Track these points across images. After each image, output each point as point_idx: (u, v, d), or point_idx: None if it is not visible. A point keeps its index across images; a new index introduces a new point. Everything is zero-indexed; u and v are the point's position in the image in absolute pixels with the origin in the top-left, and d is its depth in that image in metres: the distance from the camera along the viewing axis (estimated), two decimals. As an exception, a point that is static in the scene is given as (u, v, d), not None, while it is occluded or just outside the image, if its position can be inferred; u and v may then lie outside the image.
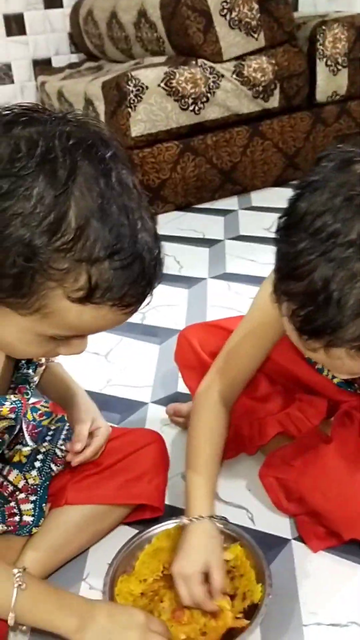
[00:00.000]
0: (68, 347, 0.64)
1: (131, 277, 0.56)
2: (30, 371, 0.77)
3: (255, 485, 0.97)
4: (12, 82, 2.85)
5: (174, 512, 0.93)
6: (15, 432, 0.90)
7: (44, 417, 0.97)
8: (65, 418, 0.94)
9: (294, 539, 0.89)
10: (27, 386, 0.76)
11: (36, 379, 0.78)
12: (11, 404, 0.72)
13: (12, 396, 0.73)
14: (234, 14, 2.04)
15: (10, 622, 0.69)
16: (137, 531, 0.88)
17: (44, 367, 0.80)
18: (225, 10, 2.02)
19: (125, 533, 0.90)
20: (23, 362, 0.76)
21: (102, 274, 0.55)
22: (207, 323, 1.12)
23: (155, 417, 1.16)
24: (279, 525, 0.91)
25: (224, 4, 2.02)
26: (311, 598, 0.81)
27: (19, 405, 0.73)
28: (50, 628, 0.71)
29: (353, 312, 0.57)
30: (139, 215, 0.57)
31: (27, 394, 0.76)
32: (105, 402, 1.21)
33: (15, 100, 2.88)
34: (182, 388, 1.22)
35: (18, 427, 0.76)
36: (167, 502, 0.94)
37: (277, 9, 2.11)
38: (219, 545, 0.80)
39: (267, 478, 0.93)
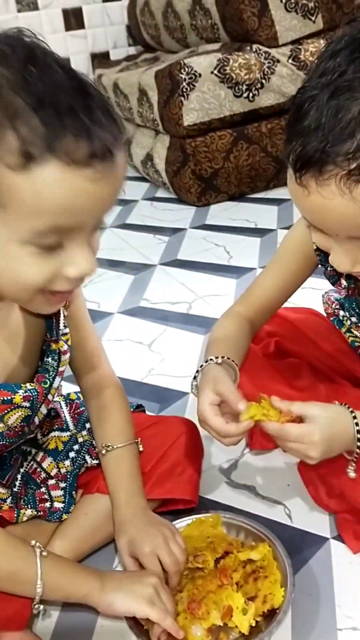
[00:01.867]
0: (71, 262, 0.58)
1: (68, 125, 0.51)
2: (49, 359, 0.75)
3: (295, 480, 0.93)
4: (71, 76, 2.89)
5: (211, 505, 0.91)
6: (52, 416, 0.90)
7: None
8: None
9: (333, 538, 0.85)
10: (47, 375, 0.75)
11: (62, 368, 0.77)
12: (25, 392, 0.71)
13: (28, 384, 0.72)
14: (290, -4, 1.98)
15: (39, 590, 0.69)
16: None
17: (68, 355, 0.78)
18: (281, -7, 1.96)
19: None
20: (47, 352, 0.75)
21: (31, 127, 0.50)
22: None
23: (195, 408, 1.13)
24: (318, 523, 0.87)
25: (280, -15, 1.96)
26: (348, 601, 0.76)
27: (34, 394, 0.71)
28: (73, 592, 0.72)
29: (342, 131, 0.57)
30: (73, 73, 0.53)
31: (46, 382, 0.74)
32: (146, 392, 1.20)
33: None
34: (225, 379, 1.19)
35: (34, 416, 0.75)
36: (203, 494, 0.92)
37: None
38: (222, 375, 0.80)
39: (306, 472, 0.89)
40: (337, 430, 0.74)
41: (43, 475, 0.86)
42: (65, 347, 0.77)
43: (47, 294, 0.61)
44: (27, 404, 0.72)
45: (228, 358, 0.85)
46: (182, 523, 0.84)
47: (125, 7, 2.85)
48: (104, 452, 0.84)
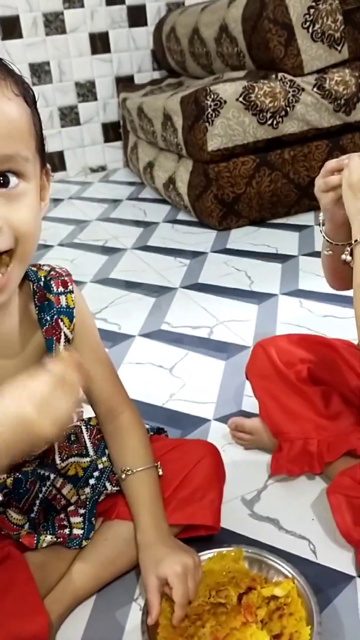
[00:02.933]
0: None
1: None
2: None
3: (320, 515, 0.92)
4: (95, 99, 2.94)
5: (233, 537, 0.89)
6: (71, 441, 0.89)
7: None
8: None
9: (357, 576, 0.83)
10: None
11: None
12: None
13: None
14: (317, 26, 2.00)
15: None
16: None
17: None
18: (307, 23, 1.99)
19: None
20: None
21: None
22: (286, 335, 1.09)
23: (217, 435, 1.12)
24: (344, 560, 0.85)
25: (307, 16, 1.98)
26: (375, 644, 0.74)
27: None
28: None
29: None
30: None
31: None
32: (167, 417, 1.19)
33: (97, 117, 2.96)
34: (247, 406, 1.18)
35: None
36: (226, 526, 0.90)
37: (362, 20, 2.05)
38: None
39: (334, 495, 0.86)
40: None
41: (63, 502, 0.85)
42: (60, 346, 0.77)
43: None
44: None
45: None
46: (203, 557, 0.82)
47: (151, 33, 2.90)
48: (123, 476, 0.84)
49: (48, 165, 0.70)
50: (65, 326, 0.78)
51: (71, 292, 0.80)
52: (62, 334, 0.78)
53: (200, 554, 0.82)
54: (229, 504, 0.94)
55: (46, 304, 0.77)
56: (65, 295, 0.79)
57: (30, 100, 0.64)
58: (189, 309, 1.61)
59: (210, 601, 0.76)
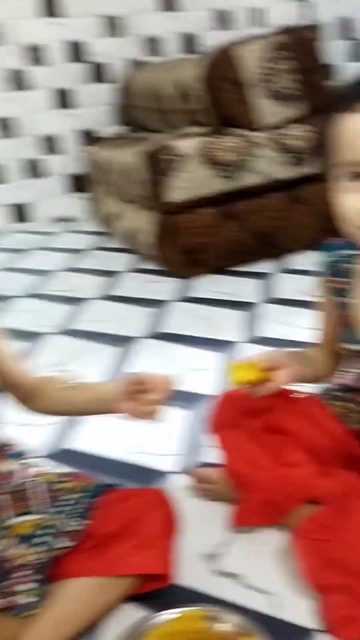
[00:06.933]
0: None
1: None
2: None
3: (281, 569, 0.90)
4: (61, 152, 3.00)
5: (193, 597, 0.87)
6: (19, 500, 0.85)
7: (62, 480, 0.90)
8: (81, 489, 0.89)
9: (322, 631, 0.81)
10: None
11: None
12: None
13: None
14: (272, 84, 2.09)
15: None
16: (148, 613, 0.82)
17: None
18: (263, 82, 2.08)
19: (138, 614, 0.84)
20: None
21: None
22: None
23: (177, 487, 1.10)
24: (308, 614, 0.83)
25: (263, 75, 2.08)
26: None
27: None
28: None
29: None
30: None
31: None
32: (123, 470, 1.17)
33: (63, 169, 3.02)
34: (209, 457, 1.17)
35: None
36: (185, 583, 0.88)
37: (317, 78, 2.16)
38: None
39: (300, 540, 0.85)
40: None
41: (6, 565, 0.81)
42: None
43: None
44: None
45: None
46: (165, 616, 0.80)
47: (116, 89, 3.00)
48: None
49: None
50: None
51: None
52: None
53: (161, 613, 0.80)
54: (188, 560, 0.91)
55: None
56: None
57: None
58: (152, 359, 1.61)
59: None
